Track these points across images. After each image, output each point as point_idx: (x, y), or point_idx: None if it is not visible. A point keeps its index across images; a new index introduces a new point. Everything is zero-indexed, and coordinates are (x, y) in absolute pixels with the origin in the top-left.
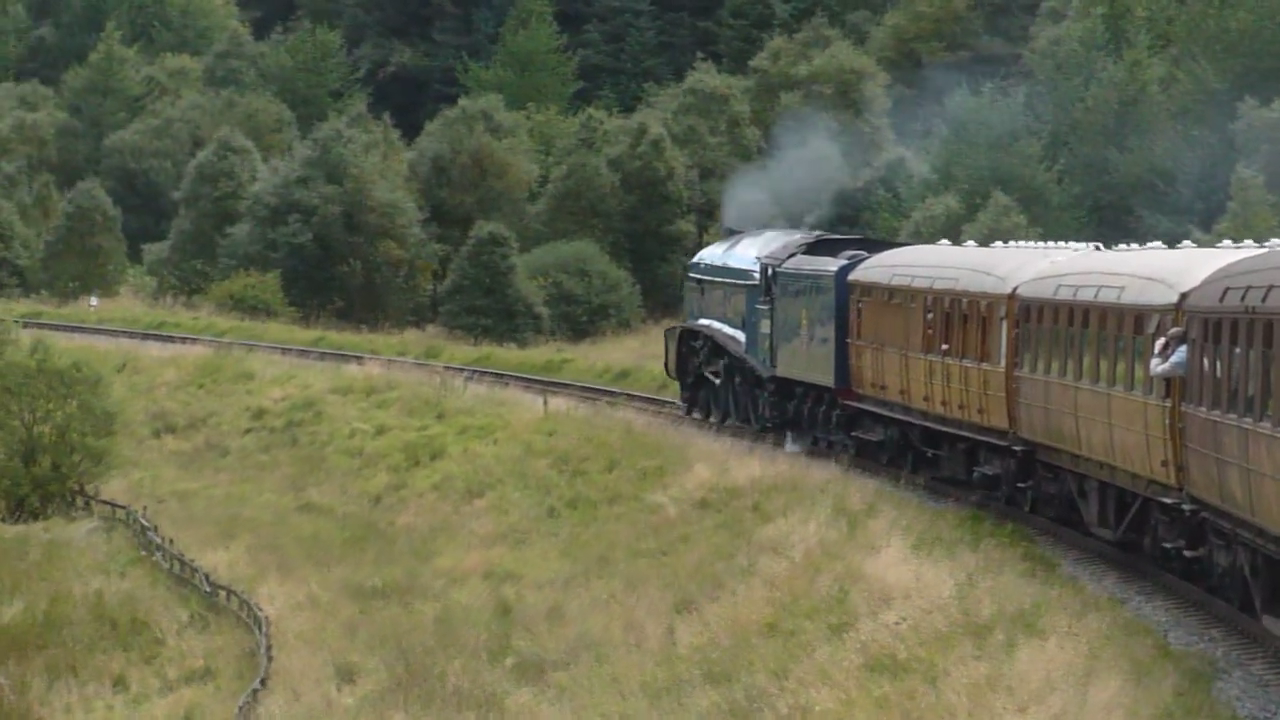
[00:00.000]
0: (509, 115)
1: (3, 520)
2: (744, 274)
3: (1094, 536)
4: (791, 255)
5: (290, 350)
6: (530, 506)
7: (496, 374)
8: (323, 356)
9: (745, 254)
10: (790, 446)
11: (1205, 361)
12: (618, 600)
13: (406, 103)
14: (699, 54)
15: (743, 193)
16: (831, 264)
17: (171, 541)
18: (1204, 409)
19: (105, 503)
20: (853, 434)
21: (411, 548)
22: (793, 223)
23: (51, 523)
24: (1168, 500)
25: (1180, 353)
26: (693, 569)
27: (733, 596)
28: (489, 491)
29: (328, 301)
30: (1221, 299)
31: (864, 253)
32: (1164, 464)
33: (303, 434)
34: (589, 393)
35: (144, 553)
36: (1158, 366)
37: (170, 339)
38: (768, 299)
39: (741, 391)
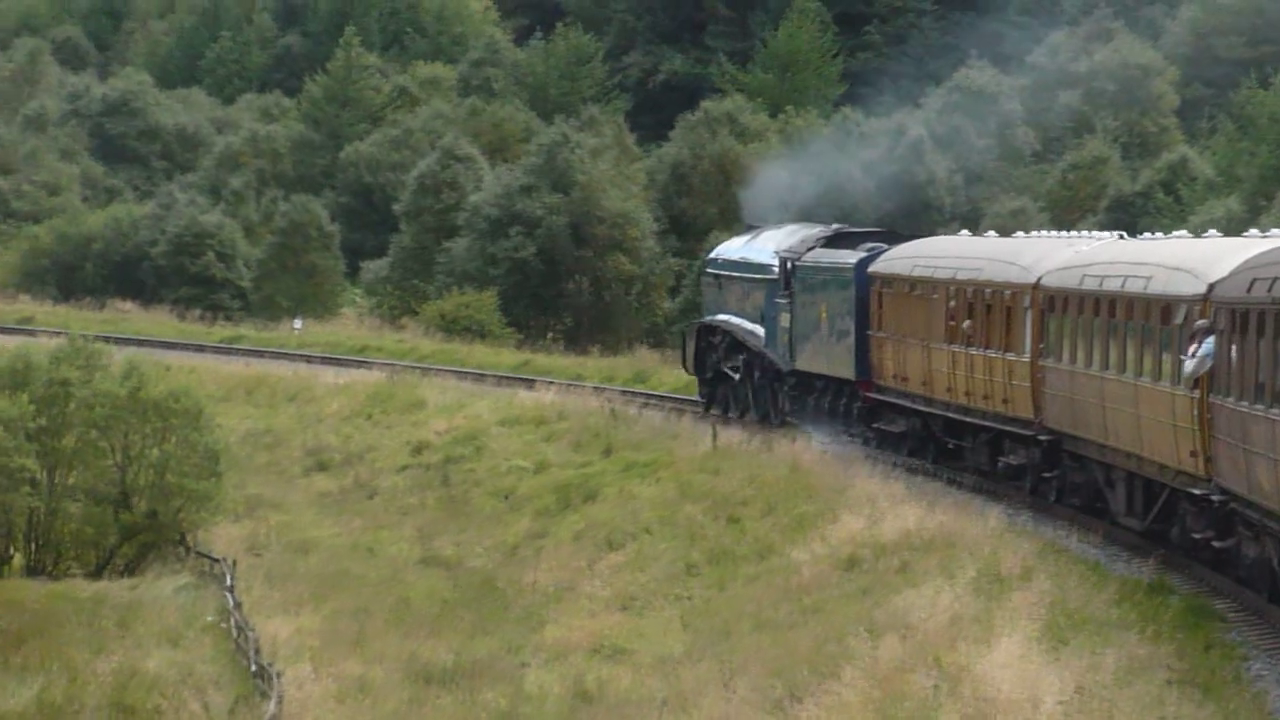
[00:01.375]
0: (756, 118)
1: (87, 575)
2: (763, 268)
3: (1120, 526)
4: (811, 248)
5: (480, 377)
6: (669, 562)
7: (681, 401)
8: (500, 382)
9: (764, 248)
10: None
11: (1233, 352)
12: (716, 689)
13: (676, 112)
14: (973, 52)
15: (762, 185)
16: (851, 256)
17: (239, 605)
18: (1232, 400)
19: (204, 555)
20: (874, 426)
21: (525, 612)
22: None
23: (142, 578)
24: (1196, 491)
25: (1207, 344)
26: (811, 649)
27: (834, 692)
28: (631, 542)
29: (552, 322)
30: (1249, 289)
31: (884, 245)
32: (1192, 454)
33: (457, 472)
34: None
35: (210, 618)
36: (1187, 366)
37: (359, 364)
38: (787, 293)
39: (761, 386)
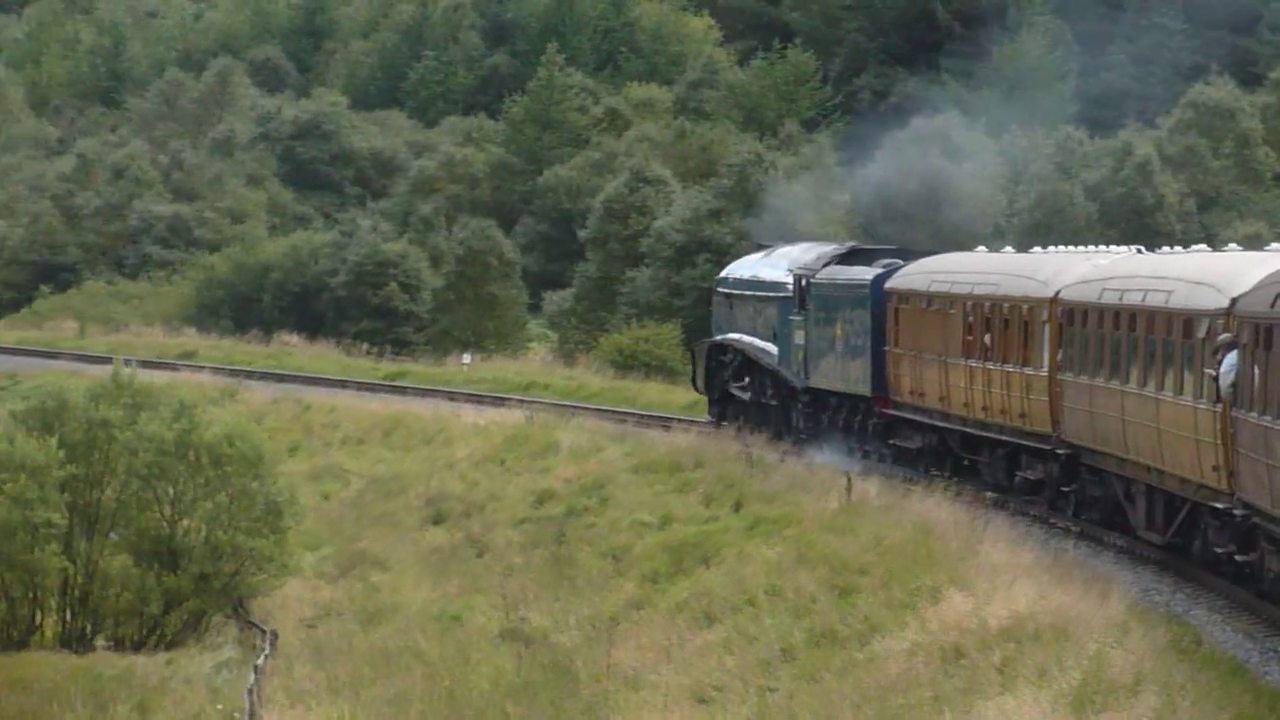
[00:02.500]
0: (972, 135)
1: (128, 647)
2: (776, 286)
3: (1140, 540)
4: (825, 265)
5: (623, 417)
6: (766, 644)
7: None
8: (641, 422)
9: (777, 266)
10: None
11: (1256, 367)
12: None
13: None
14: (1213, 67)
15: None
16: (867, 273)
17: (256, 691)
18: (1255, 414)
19: (252, 624)
20: (890, 442)
21: (591, 702)
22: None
23: (181, 651)
24: (1218, 505)
25: (1230, 359)
26: None
27: None
28: (732, 616)
29: None
30: (1273, 304)
31: (899, 261)
32: (1215, 469)
33: (575, 527)
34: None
35: (220, 706)
36: (1223, 381)
37: (502, 403)
38: (801, 310)
39: (774, 404)
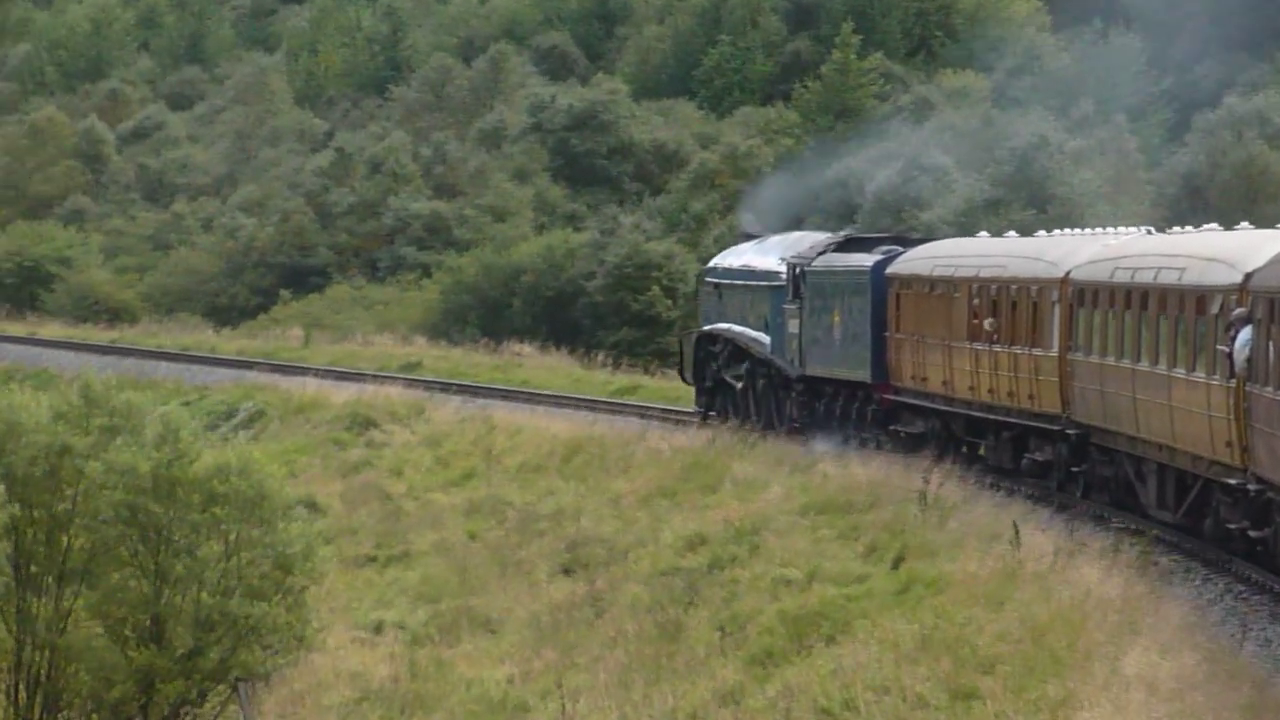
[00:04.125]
0: None
1: None
2: (768, 275)
3: (1152, 519)
4: (821, 253)
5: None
6: None
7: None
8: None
9: (767, 255)
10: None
11: (1271, 342)
12: None
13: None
14: None
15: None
16: (867, 259)
17: None
18: (1270, 389)
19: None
20: (891, 428)
21: None
22: None
23: None
24: (1232, 481)
25: (1244, 335)
26: None
27: None
28: None
29: None
30: None
31: (899, 248)
32: (1228, 445)
33: (711, 583)
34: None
35: None
36: (1238, 356)
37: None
38: (796, 298)
39: (765, 394)
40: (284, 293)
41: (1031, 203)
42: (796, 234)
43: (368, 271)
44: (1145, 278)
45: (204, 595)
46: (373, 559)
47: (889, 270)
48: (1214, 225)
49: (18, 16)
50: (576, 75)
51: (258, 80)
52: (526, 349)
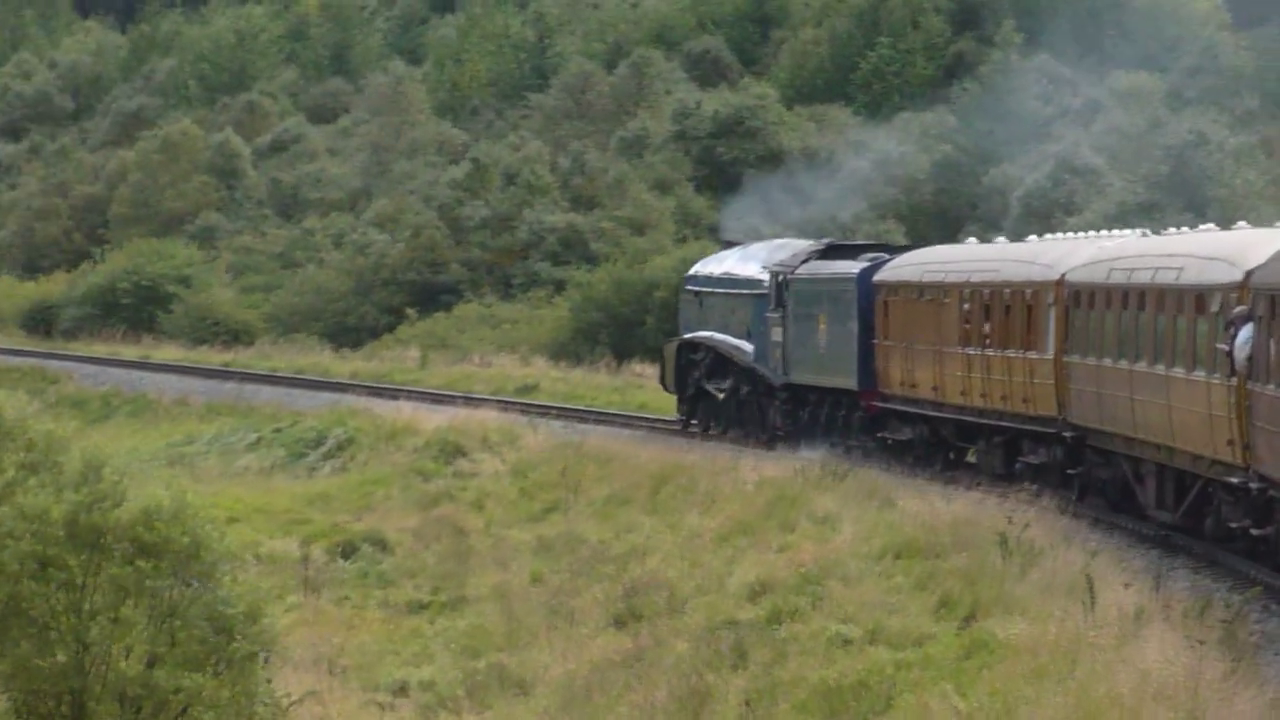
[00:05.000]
0: None
1: None
2: (751, 283)
3: (1151, 520)
4: (805, 261)
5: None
6: None
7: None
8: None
9: (749, 264)
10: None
11: (1273, 340)
12: None
13: None
14: None
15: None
16: (853, 267)
17: None
18: (1271, 387)
19: None
20: (878, 435)
21: None
22: None
23: None
24: (1233, 480)
25: (1245, 332)
26: None
27: None
28: None
29: None
30: None
31: (884, 255)
32: (1229, 443)
33: (760, 643)
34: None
35: None
36: (1238, 354)
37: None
38: (779, 306)
39: (749, 402)
40: (410, 311)
41: (1189, 206)
42: (778, 241)
43: (500, 289)
44: (1142, 278)
45: (123, 665)
46: (424, 606)
47: (876, 277)
48: (1210, 225)
49: (166, 29)
50: (728, 81)
51: (395, 91)
52: (645, 370)
